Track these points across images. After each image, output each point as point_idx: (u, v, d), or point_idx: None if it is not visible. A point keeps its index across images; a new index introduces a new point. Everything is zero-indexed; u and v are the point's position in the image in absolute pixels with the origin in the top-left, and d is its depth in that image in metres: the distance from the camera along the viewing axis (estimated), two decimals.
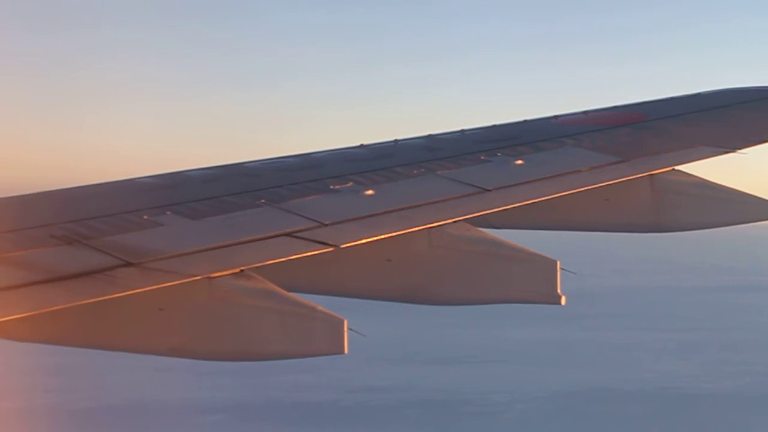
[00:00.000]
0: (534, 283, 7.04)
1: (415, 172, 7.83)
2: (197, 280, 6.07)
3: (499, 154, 8.30)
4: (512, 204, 7.52)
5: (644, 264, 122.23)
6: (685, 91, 10.29)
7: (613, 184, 8.00)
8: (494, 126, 9.14)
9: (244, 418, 55.72)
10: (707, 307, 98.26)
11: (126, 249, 6.22)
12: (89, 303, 5.73)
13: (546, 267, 7.01)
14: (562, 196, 7.77)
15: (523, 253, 7.07)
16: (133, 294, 5.86)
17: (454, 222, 7.13)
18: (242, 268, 6.23)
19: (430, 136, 8.81)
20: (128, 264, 6.06)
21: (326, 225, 6.80)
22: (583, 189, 7.86)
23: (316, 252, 6.51)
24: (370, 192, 7.38)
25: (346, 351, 6.12)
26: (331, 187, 7.43)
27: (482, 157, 8.20)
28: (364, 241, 6.75)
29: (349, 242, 6.66)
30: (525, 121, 9.30)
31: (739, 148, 8.78)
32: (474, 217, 7.25)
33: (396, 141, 8.62)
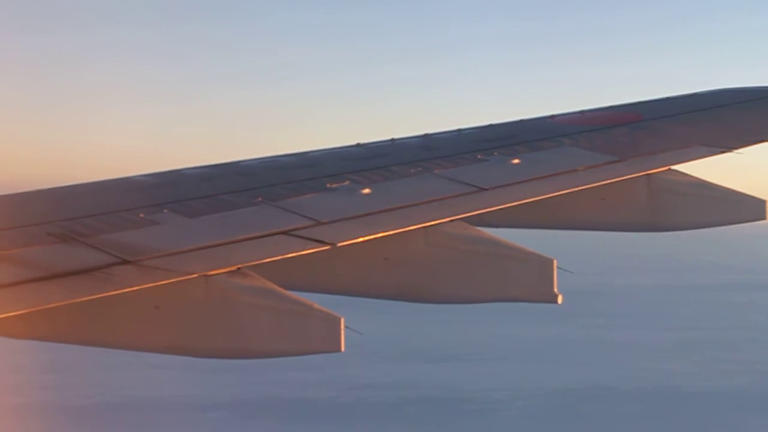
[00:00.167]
0: (531, 282, 7.06)
1: (412, 171, 7.85)
2: (194, 278, 6.08)
3: (495, 153, 8.31)
4: (509, 203, 7.54)
5: (642, 263, 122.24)
6: (681, 91, 10.32)
7: (609, 183, 8.02)
8: (491, 125, 9.16)
9: (242, 416, 55.73)
10: (705, 305, 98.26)
11: (123, 247, 6.24)
12: (86, 300, 5.75)
13: (543, 266, 7.02)
14: (558, 195, 7.78)
15: (519, 252, 7.09)
16: (129, 292, 5.87)
17: (451, 221, 7.15)
18: (239, 266, 6.24)
19: (426, 135, 8.82)
20: (125, 262, 6.07)
21: (323, 223, 6.82)
22: (579, 188, 7.88)
23: (313, 250, 6.53)
24: (367, 191, 7.40)
25: (343, 349, 6.14)
26: (328, 185, 7.45)
27: (479, 157, 8.22)
28: (361, 239, 6.76)
29: (346, 241, 6.67)
30: (522, 120, 9.32)
31: (735, 148, 8.80)
32: (471, 216, 7.26)
33: (393, 140, 8.63)
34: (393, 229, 6.92)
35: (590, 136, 8.79)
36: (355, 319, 6.24)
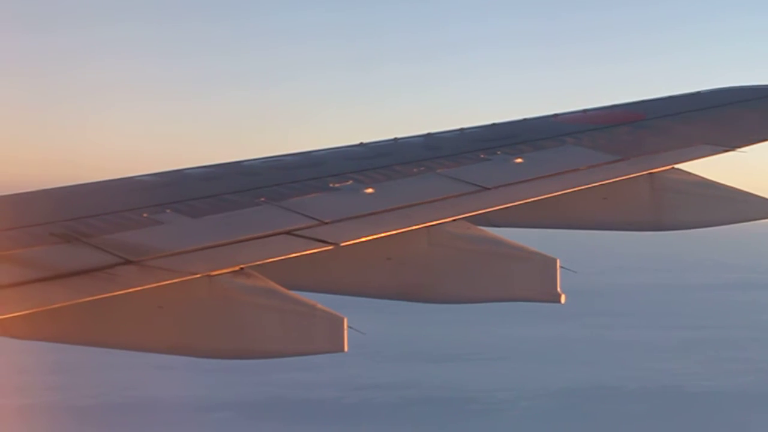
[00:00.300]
0: (534, 282, 7.05)
1: (414, 170, 7.84)
2: (197, 278, 6.08)
3: (498, 152, 8.31)
4: (512, 202, 7.53)
5: (645, 262, 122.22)
6: (685, 90, 10.31)
7: (612, 182, 8.01)
8: (494, 124, 9.15)
9: (247, 416, 55.74)
10: (709, 304, 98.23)
11: (126, 247, 6.23)
12: (89, 301, 5.74)
13: (546, 265, 7.01)
14: (561, 194, 7.78)
15: (522, 251, 7.08)
16: (133, 292, 5.87)
17: (454, 220, 7.14)
18: (242, 266, 6.24)
19: (429, 134, 8.82)
20: (128, 262, 6.07)
21: (326, 223, 6.81)
22: (582, 187, 7.87)
23: (316, 250, 6.52)
24: (369, 190, 7.39)
25: (346, 349, 6.13)
26: (331, 185, 7.44)
27: (482, 156, 8.21)
28: (363, 239, 6.76)
29: (349, 240, 6.67)
30: (524, 119, 9.31)
31: (739, 147, 8.79)
32: (474, 215, 7.26)
33: (396, 139, 8.63)
34: (396, 229, 6.91)
35: (593, 135, 8.78)
36: (358, 319, 6.23)
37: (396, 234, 6.90)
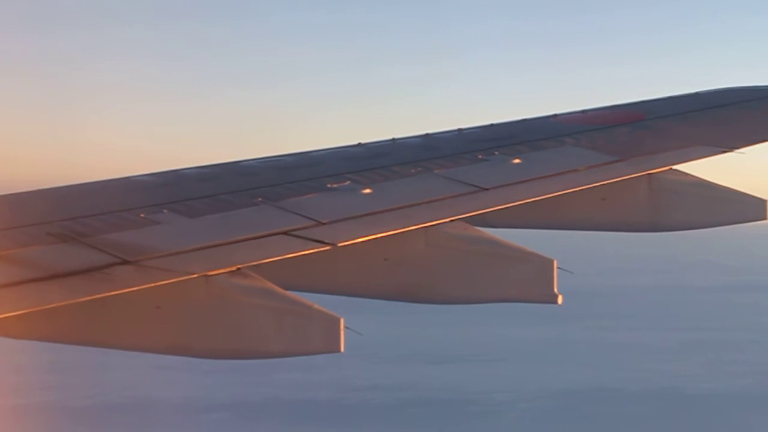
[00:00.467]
0: (531, 283, 7.07)
1: (412, 171, 7.85)
2: (194, 278, 6.09)
3: (496, 153, 8.32)
4: (510, 203, 7.55)
5: (644, 263, 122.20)
6: (684, 91, 10.32)
7: (610, 183, 8.02)
8: (492, 125, 9.16)
9: (244, 417, 55.72)
10: (708, 306, 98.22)
11: (123, 247, 6.25)
12: (86, 301, 5.76)
13: (543, 266, 7.04)
14: (559, 195, 7.79)
15: (520, 252, 7.10)
16: (129, 292, 5.89)
17: (452, 221, 7.16)
18: (239, 266, 6.25)
19: (427, 135, 8.83)
20: (125, 262, 6.09)
21: (323, 224, 6.83)
22: (580, 188, 7.88)
23: (313, 250, 6.54)
24: (367, 191, 7.41)
25: (342, 349, 6.15)
26: (329, 185, 7.45)
27: (480, 156, 8.22)
28: (361, 239, 6.77)
29: (346, 241, 6.68)
30: (523, 120, 9.32)
31: (737, 148, 8.80)
32: (471, 216, 7.27)
33: (393, 140, 8.64)
34: (393, 230, 6.92)
35: (592, 136, 8.79)
36: (355, 320, 6.25)
37: (393, 234, 6.91)
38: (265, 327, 6.25)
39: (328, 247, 6.57)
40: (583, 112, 9.53)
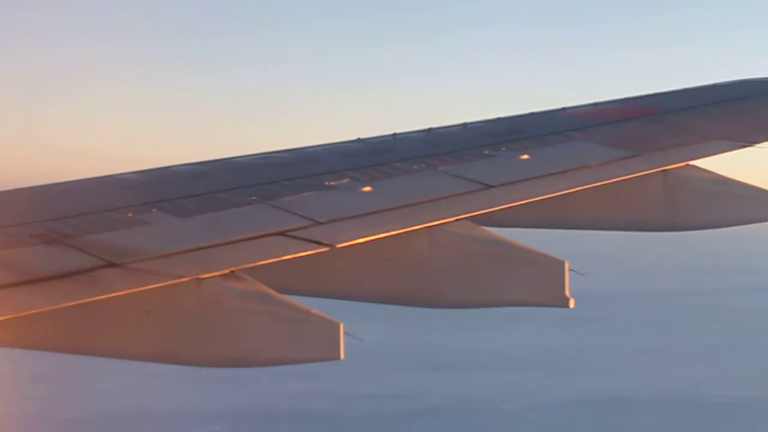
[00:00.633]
0: (541, 285, 7.07)
1: (414, 167, 7.86)
2: (185, 281, 6.10)
3: (503, 148, 8.32)
4: (517, 201, 7.55)
5: (659, 265, 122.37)
6: (701, 83, 10.32)
7: (624, 180, 8.02)
8: (498, 119, 9.16)
9: (241, 429, 55.79)
10: (727, 310, 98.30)
11: (110, 248, 6.25)
12: (71, 306, 5.75)
13: (553, 268, 7.03)
14: (570, 192, 7.79)
15: (529, 253, 7.09)
16: (117, 296, 5.88)
17: (457, 220, 7.16)
18: (233, 269, 6.26)
19: (430, 129, 8.83)
20: (112, 264, 6.09)
21: (321, 223, 6.83)
22: (592, 185, 7.89)
23: (310, 252, 6.54)
24: (367, 189, 7.41)
25: (342, 356, 6.15)
26: (327, 183, 7.46)
27: (486, 152, 8.23)
28: (361, 240, 6.77)
29: (345, 242, 6.69)
30: (531, 113, 9.33)
31: (758, 142, 8.80)
32: (477, 215, 7.28)
33: (394, 135, 8.65)
34: (395, 230, 6.93)
35: (604, 130, 8.80)
36: (356, 325, 6.25)
37: (395, 235, 6.92)
38: (260, 333, 6.25)
39: (326, 248, 6.57)
40: (594, 105, 9.55)
